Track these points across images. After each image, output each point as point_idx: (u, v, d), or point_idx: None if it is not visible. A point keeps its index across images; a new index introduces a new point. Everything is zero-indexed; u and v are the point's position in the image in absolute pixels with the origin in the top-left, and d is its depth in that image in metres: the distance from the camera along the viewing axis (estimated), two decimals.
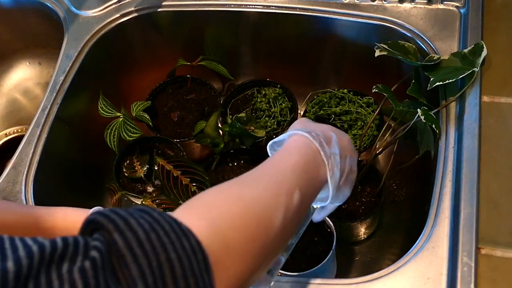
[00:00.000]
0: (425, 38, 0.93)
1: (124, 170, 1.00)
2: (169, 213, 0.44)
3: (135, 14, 1.08)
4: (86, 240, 0.39)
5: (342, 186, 0.66)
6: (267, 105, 1.06)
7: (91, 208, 0.70)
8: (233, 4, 1.05)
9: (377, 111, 0.91)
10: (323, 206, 0.73)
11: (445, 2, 0.96)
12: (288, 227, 0.53)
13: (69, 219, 0.66)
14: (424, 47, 0.92)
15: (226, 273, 0.44)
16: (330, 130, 0.66)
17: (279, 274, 0.82)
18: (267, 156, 1.00)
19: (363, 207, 0.91)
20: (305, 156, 0.59)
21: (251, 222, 0.48)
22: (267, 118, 1.05)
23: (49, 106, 0.96)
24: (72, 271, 0.36)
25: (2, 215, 0.64)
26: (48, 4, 1.10)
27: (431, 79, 0.83)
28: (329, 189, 0.62)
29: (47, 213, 0.67)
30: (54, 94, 0.98)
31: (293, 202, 0.53)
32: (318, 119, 0.77)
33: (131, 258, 0.38)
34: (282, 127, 1.04)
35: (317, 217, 0.75)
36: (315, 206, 0.72)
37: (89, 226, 0.42)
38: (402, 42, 0.91)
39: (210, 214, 0.46)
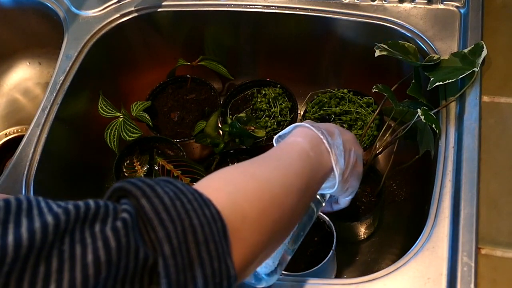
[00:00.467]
0: (425, 38, 0.93)
1: (124, 170, 1.00)
2: (191, 185, 0.47)
3: (135, 14, 1.08)
4: (114, 205, 0.41)
5: (349, 177, 0.69)
6: (267, 105, 1.06)
7: None
8: (233, 4, 1.05)
9: (377, 111, 0.91)
10: (337, 201, 0.77)
11: (445, 2, 0.96)
12: (297, 207, 0.56)
13: None
14: (424, 47, 0.92)
15: (242, 242, 0.46)
16: (333, 126, 0.70)
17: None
18: None
19: (363, 207, 0.91)
20: (310, 143, 0.63)
21: (264, 197, 0.51)
22: (267, 118, 1.05)
23: (49, 106, 0.96)
24: (105, 230, 0.38)
25: None
26: (48, 4, 1.10)
27: (431, 79, 0.83)
28: (335, 175, 0.65)
29: None
30: (54, 94, 0.98)
31: (301, 183, 0.57)
32: (323, 120, 0.79)
33: (158, 221, 0.40)
34: (282, 127, 1.04)
35: (330, 208, 0.79)
36: (321, 197, 0.74)
37: (116, 193, 0.44)
38: (402, 42, 0.91)
39: (228, 187, 0.49)
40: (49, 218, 0.36)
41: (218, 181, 0.51)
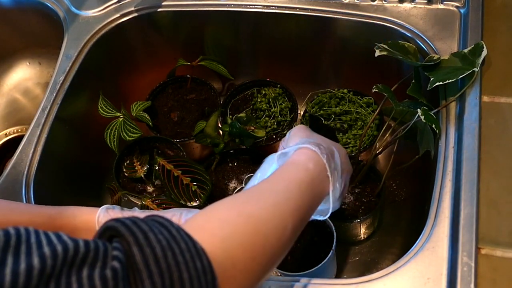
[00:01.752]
0: (425, 38, 0.93)
1: (124, 170, 1.00)
2: (185, 226, 0.46)
3: (135, 14, 1.08)
4: (105, 246, 0.41)
5: (338, 200, 0.68)
6: (267, 105, 1.06)
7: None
8: (233, 4, 1.05)
9: (377, 111, 0.91)
10: None
11: (445, 2, 0.96)
12: (289, 244, 0.56)
13: (78, 219, 0.67)
14: (424, 47, 0.92)
15: (230, 287, 0.46)
16: (331, 144, 0.69)
17: (279, 274, 0.82)
18: (267, 156, 1.00)
19: (363, 207, 0.91)
20: (312, 172, 0.62)
21: (258, 241, 0.50)
22: (267, 118, 1.05)
23: (49, 106, 0.96)
24: (93, 277, 0.38)
25: (13, 215, 0.66)
26: (48, 4, 1.10)
27: (431, 79, 0.83)
28: (329, 203, 0.64)
29: (57, 212, 0.68)
30: (54, 94, 0.98)
31: (297, 219, 0.56)
32: (313, 119, 0.77)
33: (147, 274, 0.40)
34: (282, 127, 1.04)
35: None
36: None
37: (108, 232, 0.43)
38: (402, 42, 0.91)
39: (223, 231, 0.49)
40: (35, 261, 0.36)
41: (213, 223, 0.50)
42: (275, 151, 1.04)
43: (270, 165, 0.71)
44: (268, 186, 0.59)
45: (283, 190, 0.58)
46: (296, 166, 0.62)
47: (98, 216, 0.67)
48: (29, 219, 0.65)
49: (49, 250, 0.37)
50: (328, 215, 0.66)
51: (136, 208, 0.71)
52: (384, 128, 0.90)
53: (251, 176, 0.73)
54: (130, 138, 0.96)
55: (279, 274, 0.82)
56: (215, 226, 0.49)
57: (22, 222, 0.64)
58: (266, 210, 0.54)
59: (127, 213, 0.68)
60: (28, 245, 0.37)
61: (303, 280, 0.72)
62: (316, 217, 0.69)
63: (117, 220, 0.43)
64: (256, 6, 1.04)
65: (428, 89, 0.83)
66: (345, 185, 0.70)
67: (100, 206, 0.72)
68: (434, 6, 0.96)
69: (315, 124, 0.75)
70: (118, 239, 0.42)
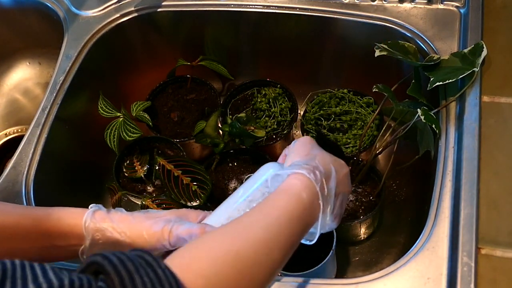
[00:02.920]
0: (425, 38, 0.93)
1: (124, 170, 1.00)
2: (172, 263, 0.47)
3: (135, 14, 1.08)
4: (90, 284, 0.41)
5: (329, 221, 0.67)
6: (267, 105, 1.06)
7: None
8: (233, 4, 1.05)
9: (377, 111, 0.91)
10: None
11: (445, 2, 0.96)
12: (277, 273, 0.56)
13: (64, 221, 0.66)
14: (424, 47, 0.92)
15: None
16: (331, 162, 0.67)
17: (279, 274, 0.82)
18: (267, 156, 1.00)
19: (363, 207, 0.91)
20: (305, 201, 0.61)
21: (244, 282, 0.51)
22: (267, 118, 1.05)
23: (49, 106, 0.96)
24: None
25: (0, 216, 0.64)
26: (48, 4, 1.10)
27: (431, 79, 0.83)
28: (317, 230, 0.63)
29: (44, 214, 0.66)
30: (54, 94, 0.98)
31: (286, 251, 0.56)
32: (320, 136, 0.75)
33: None
34: (282, 127, 1.04)
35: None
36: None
37: (94, 267, 0.44)
38: (402, 42, 0.91)
39: (208, 271, 0.49)
40: None
41: (201, 261, 0.49)
42: (275, 151, 1.05)
43: (262, 175, 0.70)
44: (258, 218, 0.58)
45: (273, 224, 0.57)
46: (288, 195, 0.61)
47: (85, 221, 0.66)
48: (16, 221, 0.63)
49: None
50: (315, 240, 0.65)
51: (122, 209, 0.70)
52: (384, 128, 0.90)
53: (251, 176, 0.73)
54: (130, 138, 0.96)
55: (279, 274, 0.82)
56: (202, 266, 0.49)
57: (9, 224, 0.63)
58: (255, 248, 0.53)
59: (115, 216, 0.67)
60: (13, 281, 0.37)
61: (303, 280, 0.72)
62: (303, 241, 0.68)
63: (103, 256, 0.44)
64: (256, 6, 1.04)
65: (428, 89, 0.83)
66: (341, 206, 0.69)
67: (95, 204, 0.71)
68: (434, 6, 0.96)
69: (321, 142, 0.74)
70: (103, 277, 0.43)
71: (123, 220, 0.67)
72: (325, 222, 0.66)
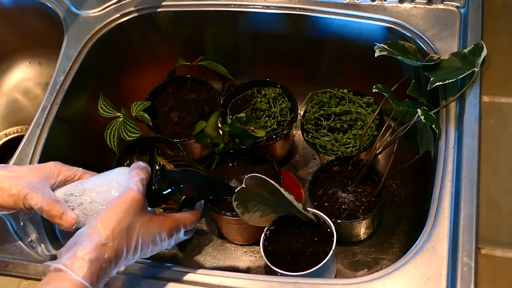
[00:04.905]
0: (425, 38, 0.93)
1: None
2: None
3: (135, 14, 1.08)
4: None
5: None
6: (267, 105, 1.06)
7: None
8: (233, 4, 1.05)
9: (377, 111, 0.91)
10: None
11: (445, 2, 0.96)
12: None
13: None
14: (424, 47, 0.92)
15: None
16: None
17: (279, 274, 0.82)
18: (267, 156, 1.00)
19: (363, 207, 0.91)
20: None
21: None
22: (267, 118, 1.05)
23: (49, 106, 0.97)
24: None
25: None
26: (48, 4, 1.10)
27: (431, 79, 0.83)
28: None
29: None
30: (54, 94, 0.98)
31: None
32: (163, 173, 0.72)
33: None
34: (282, 127, 1.04)
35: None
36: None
37: None
38: (402, 42, 0.91)
39: None
40: None
41: None
42: (275, 151, 1.05)
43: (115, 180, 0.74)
44: None
45: None
46: None
47: None
48: None
49: None
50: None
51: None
52: (384, 128, 0.90)
53: (251, 176, 0.72)
54: (130, 138, 0.96)
55: (279, 274, 0.82)
56: None
57: None
58: None
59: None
60: None
61: (303, 280, 0.73)
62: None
63: None
64: (256, 6, 1.04)
65: (428, 89, 0.83)
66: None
67: None
68: (434, 6, 0.96)
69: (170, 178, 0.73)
70: None
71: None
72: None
